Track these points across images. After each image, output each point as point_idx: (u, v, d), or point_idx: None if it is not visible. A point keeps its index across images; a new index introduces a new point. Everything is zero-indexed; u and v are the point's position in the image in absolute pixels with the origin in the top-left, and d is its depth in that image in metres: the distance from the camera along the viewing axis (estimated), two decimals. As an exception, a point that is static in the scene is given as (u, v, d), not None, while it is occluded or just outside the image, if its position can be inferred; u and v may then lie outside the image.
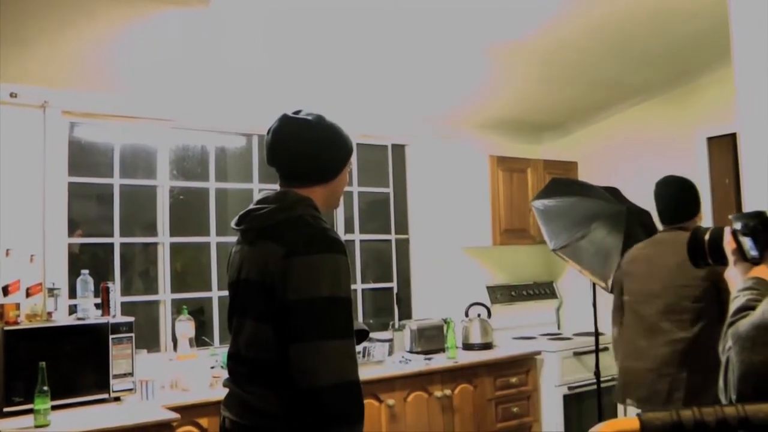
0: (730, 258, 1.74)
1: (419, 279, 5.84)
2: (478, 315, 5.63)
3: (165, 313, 4.69)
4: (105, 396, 3.90)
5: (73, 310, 4.13)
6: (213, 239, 4.94)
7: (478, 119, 5.91)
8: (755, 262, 1.68)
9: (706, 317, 3.34)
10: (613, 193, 5.15)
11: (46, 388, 3.44)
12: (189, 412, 3.81)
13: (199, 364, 4.33)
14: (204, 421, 3.86)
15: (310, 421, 1.83)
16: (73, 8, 3.47)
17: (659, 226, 3.78)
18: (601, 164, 6.06)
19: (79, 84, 4.25)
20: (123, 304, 4.41)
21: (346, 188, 2.46)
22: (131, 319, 4.07)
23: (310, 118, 2.09)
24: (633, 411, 3.61)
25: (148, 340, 4.56)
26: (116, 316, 4.11)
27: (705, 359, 3.02)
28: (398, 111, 5.51)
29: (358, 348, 4.79)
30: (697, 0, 3.97)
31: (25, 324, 3.80)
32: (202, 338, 4.70)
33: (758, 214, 1.70)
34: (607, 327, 5.50)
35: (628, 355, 3.66)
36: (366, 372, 4.48)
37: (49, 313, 3.97)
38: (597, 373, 5.02)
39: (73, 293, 4.14)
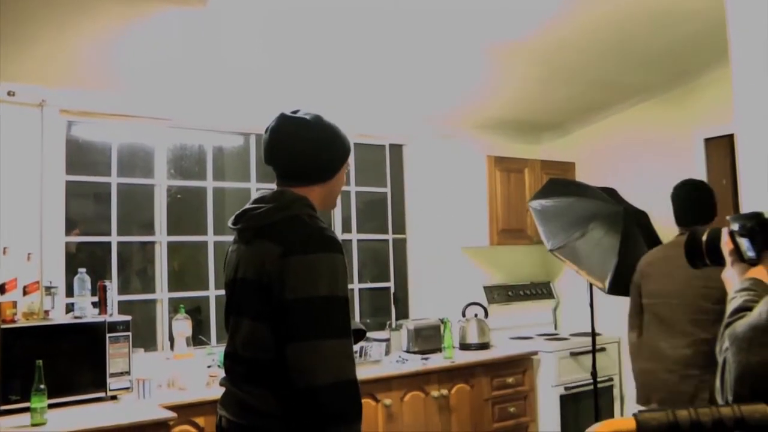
0: (728, 259, 1.74)
1: (416, 279, 5.84)
2: (475, 315, 5.63)
3: (162, 311, 4.68)
4: (102, 395, 3.89)
5: (70, 308, 4.13)
6: (210, 238, 4.94)
7: (475, 119, 5.91)
8: (752, 263, 1.68)
9: None
10: (611, 193, 5.16)
11: (42, 386, 3.44)
12: (186, 411, 3.80)
13: (196, 363, 4.33)
14: (201, 420, 3.86)
15: (308, 420, 1.83)
16: (72, 7, 3.47)
17: (676, 229, 3.75)
18: (598, 165, 6.06)
19: (77, 83, 4.24)
20: (120, 302, 4.40)
21: (344, 188, 2.46)
22: (128, 317, 4.06)
23: (308, 117, 2.09)
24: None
25: (145, 338, 4.56)
26: (113, 315, 4.10)
27: None
28: (396, 111, 5.51)
29: (355, 348, 4.79)
30: (694, 1, 3.97)
31: (22, 322, 3.79)
32: (199, 337, 4.70)
33: (755, 215, 1.70)
34: (603, 327, 5.54)
35: (649, 358, 3.65)
36: (363, 372, 4.46)
37: (46, 312, 3.96)
38: (594, 374, 5.03)
39: (70, 292, 4.13)
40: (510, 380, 5.28)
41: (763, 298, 1.51)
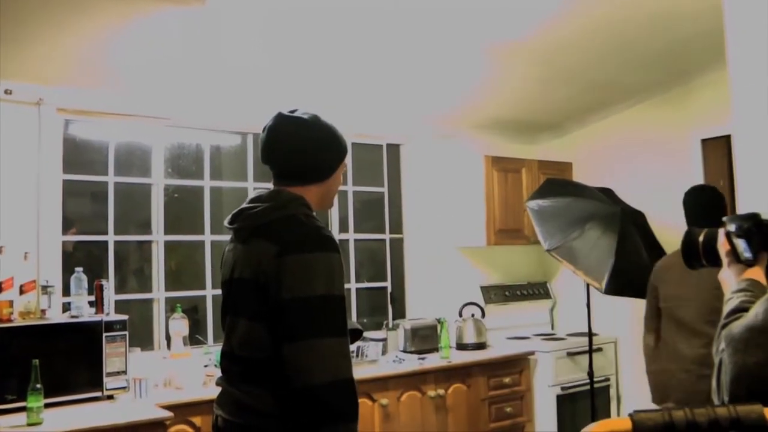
0: (724, 260, 1.74)
1: (413, 278, 5.84)
2: (472, 315, 5.63)
3: (159, 311, 4.68)
4: (98, 394, 3.89)
5: (66, 307, 4.12)
6: (207, 237, 4.93)
7: (473, 119, 5.91)
8: (749, 263, 1.68)
9: None
10: (608, 193, 5.17)
11: (39, 386, 3.43)
12: (182, 410, 3.80)
13: (192, 363, 4.33)
14: (197, 420, 3.86)
15: (305, 419, 1.83)
16: (70, 5, 3.46)
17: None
18: (595, 165, 6.07)
19: (74, 81, 4.24)
20: (117, 302, 4.40)
21: (341, 187, 2.46)
22: (125, 317, 4.06)
23: (305, 117, 2.09)
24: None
25: (142, 338, 4.55)
26: (110, 314, 4.09)
27: None
28: (393, 110, 5.51)
29: (352, 347, 4.79)
30: (693, 3, 3.97)
31: (18, 321, 3.79)
32: (195, 336, 4.69)
33: (752, 216, 1.71)
34: (600, 328, 5.56)
35: (667, 359, 3.77)
36: (360, 371, 4.47)
37: (43, 311, 3.96)
38: (590, 374, 5.04)
39: (66, 291, 4.12)
40: (507, 380, 5.29)
41: (760, 299, 1.51)
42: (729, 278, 1.72)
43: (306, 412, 1.83)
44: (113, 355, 3.94)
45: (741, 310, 1.55)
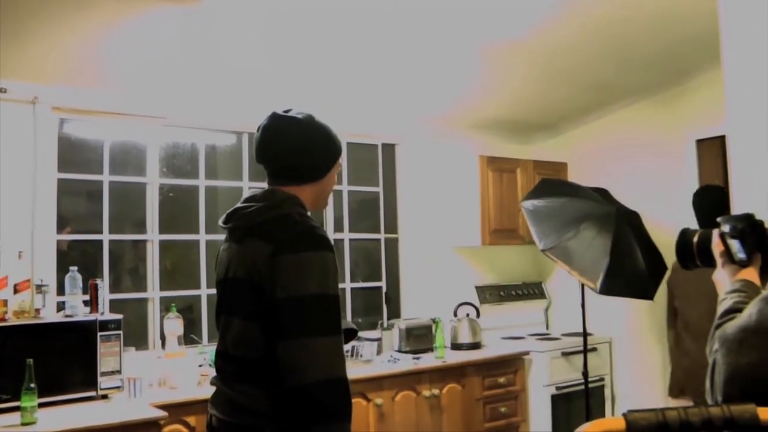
0: (718, 260, 1.74)
1: (408, 278, 5.84)
2: (467, 315, 5.64)
3: (153, 310, 4.67)
4: (92, 394, 3.88)
5: (61, 307, 4.11)
6: (202, 237, 4.93)
7: (468, 119, 5.91)
8: (743, 264, 1.68)
9: None
10: (603, 194, 5.18)
11: (33, 385, 3.43)
12: (177, 410, 3.79)
13: (187, 362, 4.32)
14: (192, 420, 3.85)
15: (299, 418, 1.83)
16: (65, 4, 3.46)
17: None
18: (590, 165, 6.08)
19: (70, 80, 4.23)
20: (111, 301, 4.40)
21: (336, 187, 2.46)
22: (119, 316, 4.05)
23: (300, 116, 2.10)
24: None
25: (137, 337, 4.55)
26: (104, 314, 4.08)
27: None
28: (389, 110, 5.51)
29: (347, 347, 4.79)
30: (688, 4, 3.98)
31: (12, 321, 3.78)
32: (190, 336, 4.69)
33: (746, 217, 1.71)
34: (595, 327, 5.58)
35: (682, 356, 4.00)
36: (354, 371, 4.47)
37: (37, 310, 3.95)
38: (585, 374, 5.04)
39: (61, 290, 4.12)
40: (501, 380, 5.29)
41: (754, 299, 1.51)
42: (723, 279, 1.72)
43: (300, 411, 1.83)
44: (108, 354, 3.93)
45: (735, 310, 1.56)
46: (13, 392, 3.52)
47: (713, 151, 5.20)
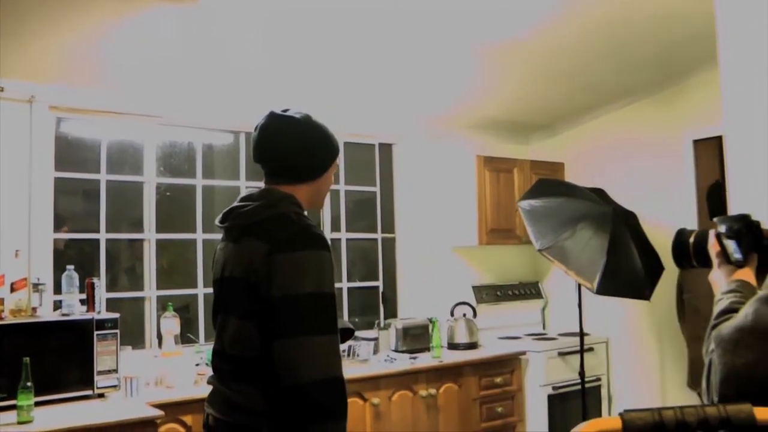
0: (714, 260, 1.75)
1: (405, 278, 5.85)
2: (464, 314, 5.64)
3: (150, 309, 4.67)
4: (89, 392, 3.88)
5: (58, 305, 4.11)
6: (199, 236, 4.93)
7: (465, 119, 5.92)
8: (739, 264, 1.69)
9: None
10: (600, 194, 5.19)
11: (29, 384, 3.42)
12: (173, 409, 3.79)
13: (184, 362, 4.32)
14: (188, 419, 3.85)
15: (295, 417, 1.83)
16: (63, 3, 3.45)
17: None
18: (587, 165, 6.08)
19: (67, 79, 4.23)
20: (108, 300, 4.39)
21: (333, 187, 2.46)
22: (116, 315, 4.05)
23: (297, 116, 2.10)
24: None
25: (133, 336, 4.54)
26: (101, 313, 4.08)
27: None
28: (386, 110, 5.51)
29: (344, 346, 4.79)
30: (685, 4, 3.98)
31: (9, 319, 3.78)
32: (187, 335, 4.68)
33: (742, 218, 1.72)
34: (591, 327, 5.58)
35: (695, 347, 4.16)
36: (351, 370, 4.48)
37: (34, 309, 3.95)
38: (582, 374, 5.05)
39: (58, 289, 4.11)
40: (498, 380, 5.29)
41: (750, 300, 1.51)
42: (719, 279, 1.72)
43: (295, 409, 1.83)
44: (104, 353, 3.93)
45: (731, 311, 1.56)
46: (9, 391, 3.52)
47: (710, 151, 5.21)
